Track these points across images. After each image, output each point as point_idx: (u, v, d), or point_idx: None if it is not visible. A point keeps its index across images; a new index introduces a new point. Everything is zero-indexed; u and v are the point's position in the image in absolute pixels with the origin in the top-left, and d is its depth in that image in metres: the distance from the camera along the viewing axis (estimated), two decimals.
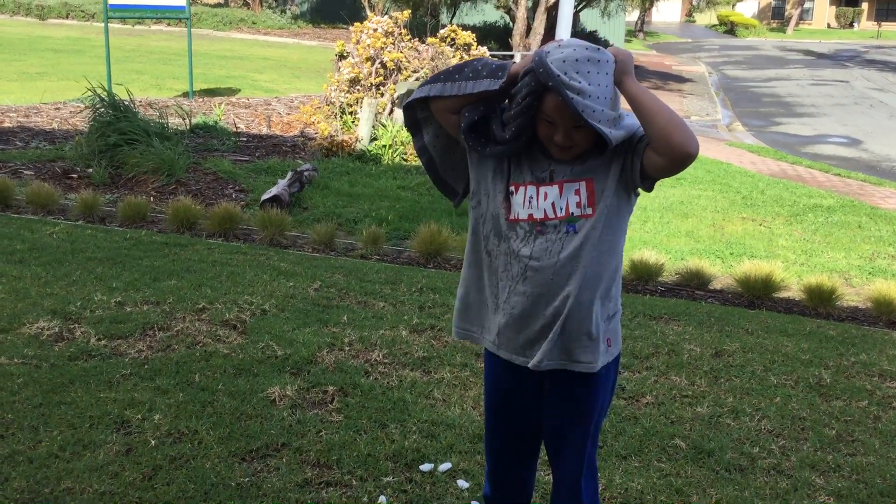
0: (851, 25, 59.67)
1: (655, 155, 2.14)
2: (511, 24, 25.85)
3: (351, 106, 10.93)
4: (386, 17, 11.61)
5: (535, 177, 2.32)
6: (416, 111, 2.45)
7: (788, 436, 3.72)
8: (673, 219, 8.63)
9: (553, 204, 2.29)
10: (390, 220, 7.30)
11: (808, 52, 39.47)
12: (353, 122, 10.74)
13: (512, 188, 2.35)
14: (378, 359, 4.29)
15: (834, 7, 61.89)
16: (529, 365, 2.35)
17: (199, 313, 4.77)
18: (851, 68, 32.78)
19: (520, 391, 2.46)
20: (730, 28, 55.53)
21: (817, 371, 4.49)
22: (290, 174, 8.11)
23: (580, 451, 2.43)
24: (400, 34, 11.47)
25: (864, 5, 60.77)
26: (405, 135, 10.26)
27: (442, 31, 11.77)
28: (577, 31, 29.68)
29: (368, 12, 18.35)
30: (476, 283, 2.46)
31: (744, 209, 9.41)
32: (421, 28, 22.49)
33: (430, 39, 11.69)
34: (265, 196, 7.43)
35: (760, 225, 8.66)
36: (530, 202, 2.31)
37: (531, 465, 2.61)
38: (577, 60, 2.16)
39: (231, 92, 15.34)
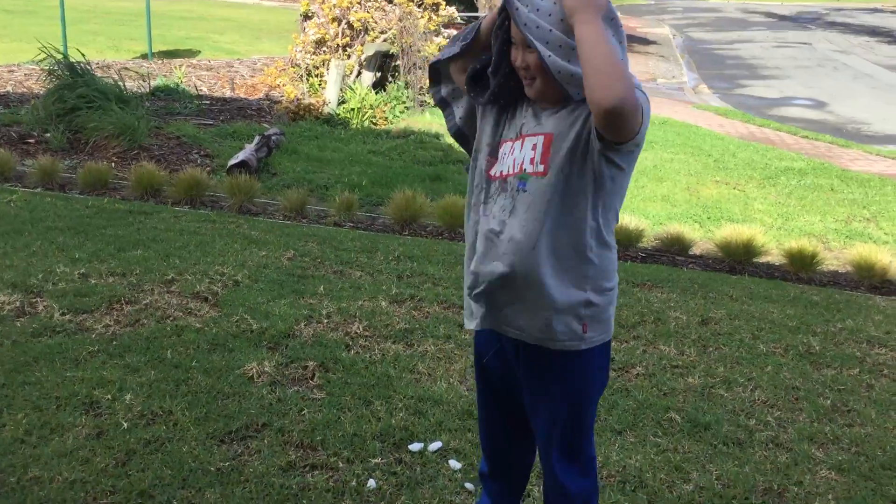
0: None
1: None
2: None
3: (317, 68, 10.64)
4: None
5: (514, 132, 2.18)
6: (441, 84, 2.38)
7: (783, 406, 3.63)
8: (648, 183, 8.52)
9: (514, 159, 2.14)
10: (363, 185, 7.10)
11: (770, 15, 39.49)
12: (319, 84, 10.46)
13: (500, 145, 2.22)
14: (358, 331, 4.13)
15: None
16: (471, 326, 2.30)
17: (168, 285, 4.56)
18: (814, 30, 32.87)
19: (495, 356, 2.34)
20: None
21: (805, 338, 4.42)
22: (257, 139, 7.85)
23: (548, 432, 2.29)
24: None
25: None
26: (374, 98, 10.02)
27: None
28: None
29: None
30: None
31: (717, 172, 9.33)
32: None
33: None
34: (232, 161, 7.18)
35: (734, 188, 8.59)
36: (503, 158, 2.18)
37: (522, 442, 2.47)
38: None
39: (191, 54, 14.91)
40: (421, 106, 10.97)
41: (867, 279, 5.64)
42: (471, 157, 2.37)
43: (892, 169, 10.54)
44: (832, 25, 35.48)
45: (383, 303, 4.50)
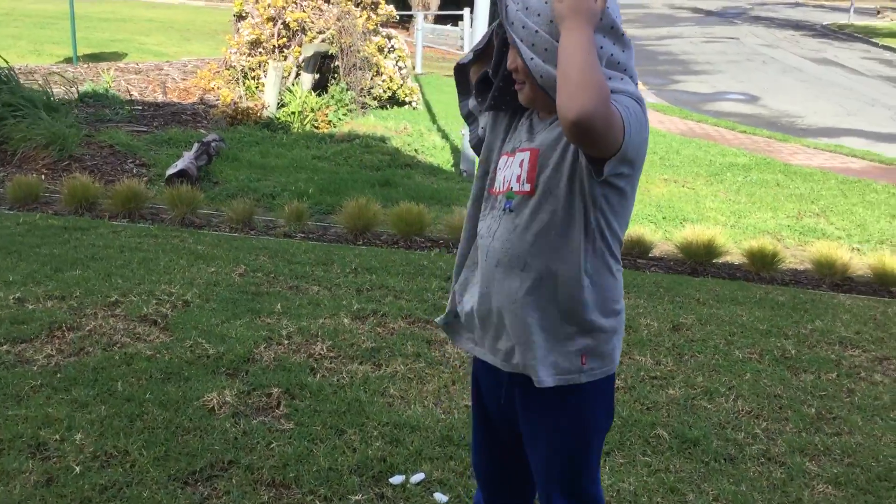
0: None
1: None
2: None
3: (253, 70, 10.31)
4: None
5: (511, 147, 2.01)
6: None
7: (769, 417, 3.53)
8: None
9: (504, 176, 1.98)
10: (311, 193, 6.83)
11: (696, 10, 40.14)
12: (256, 87, 10.13)
13: (500, 158, 2.05)
14: (322, 352, 3.90)
15: None
16: (463, 347, 2.14)
17: (113, 308, 4.26)
18: (740, 25, 33.52)
19: (490, 386, 2.13)
20: None
21: (779, 342, 4.34)
22: (195, 146, 7.52)
23: (547, 471, 2.09)
24: None
25: None
26: (315, 100, 9.74)
27: None
28: None
29: None
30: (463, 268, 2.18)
31: (664, 170, 9.31)
32: None
33: None
34: (171, 170, 6.85)
35: (683, 186, 8.57)
36: (498, 173, 2.02)
37: (521, 473, 2.29)
38: None
39: (117, 57, 14.37)
40: (363, 108, 10.72)
41: (828, 277, 5.62)
42: None
43: (831, 162, 10.69)
44: (757, 20, 36.23)
45: (346, 320, 4.28)
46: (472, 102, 2.15)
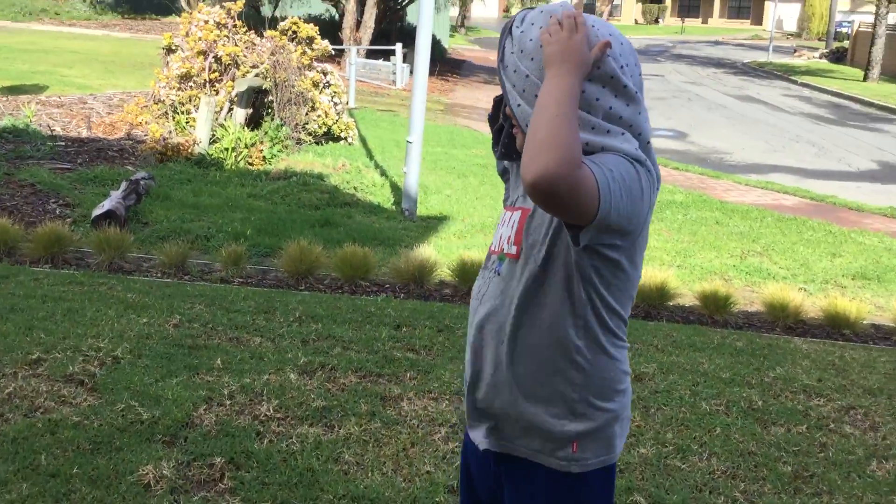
0: (657, 21, 62.82)
1: None
2: (337, 17, 25.10)
3: (184, 104, 9.94)
4: (217, 7, 10.66)
5: (512, 200, 1.84)
6: None
7: (745, 477, 3.36)
8: None
9: (500, 234, 1.81)
10: (248, 234, 6.51)
11: None
12: (187, 122, 9.77)
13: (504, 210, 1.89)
14: (269, 413, 3.60)
15: (640, 3, 64.93)
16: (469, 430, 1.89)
17: (34, 366, 3.89)
18: (663, 62, 34.29)
19: (479, 466, 1.91)
20: None
21: (744, 392, 4.20)
22: (123, 184, 7.13)
23: None
24: (234, 26, 10.56)
25: (668, 2, 64.13)
26: (249, 136, 9.42)
27: (282, 24, 10.96)
28: (405, 26, 29.30)
29: (183, 3, 17.13)
30: None
31: None
32: (255, 20, 21.37)
33: (268, 32, 10.85)
34: (97, 211, 6.46)
35: None
36: (497, 229, 1.86)
37: None
38: (541, 12, 1.69)
39: (38, 89, 13.77)
40: (298, 143, 10.44)
41: (781, 320, 5.55)
42: None
43: (764, 199, 10.80)
44: (679, 58, 37.15)
45: (292, 375, 3.99)
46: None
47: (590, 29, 1.64)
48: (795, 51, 39.77)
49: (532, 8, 1.77)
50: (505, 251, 1.75)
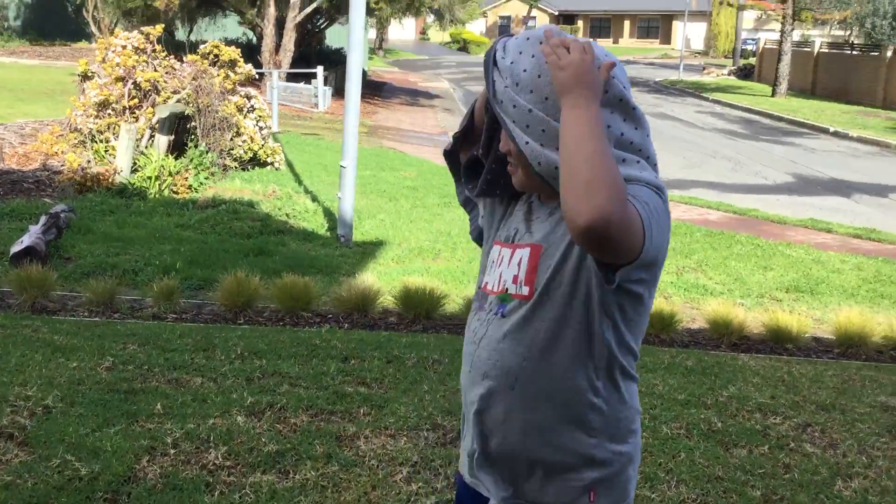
0: None
1: None
2: (254, 40, 24.75)
3: (102, 133, 9.57)
4: (136, 32, 10.33)
5: (506, 235, 1.72)
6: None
7: (716, 503, 3.29)
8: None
9: (500, 273, 1.68)
10: (178, 267, 6.24)
11: None
12: (106, 150, 9.40)
13: (491, 246, 1.77)
14: (217, 462, 3.39)
15: (553, 24, 66.11)
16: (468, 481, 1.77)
17: None
18: None
19: None
20: (462, 45, 57.44)
21: (702, 413, 4.16)
22: (43, 218, 6.78)
23: None
24: (154, 51, 10.24)
25: (580, 23, 65.39)
26: (173, 163, 9.11)
27: (203, 47, 10.67)
28: (324, 49, 29.11)
29: (94, 29, 16.58)
30: None
31: None
32: (169, 45, 20.91)
33: (189, 56, 10.55)
34: (16, 248, 6.11)
35: None
36: (490, 266, 1.73)
37: None
38: (527, 39, 1.58)
39: None
40: (224, 170, 10.16)
41: (726, 336, 5.57)
42: None
43: (689, 214, 10.96)
44: None
45: (239, 418, 3.78)
46: (469, 188, 1.84)
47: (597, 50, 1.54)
48: (704, 68, 40.94)
49: (510, 35, 1.66)
50: (511, 291, 1.63)
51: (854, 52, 29.10)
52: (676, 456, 3.68)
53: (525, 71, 1.55)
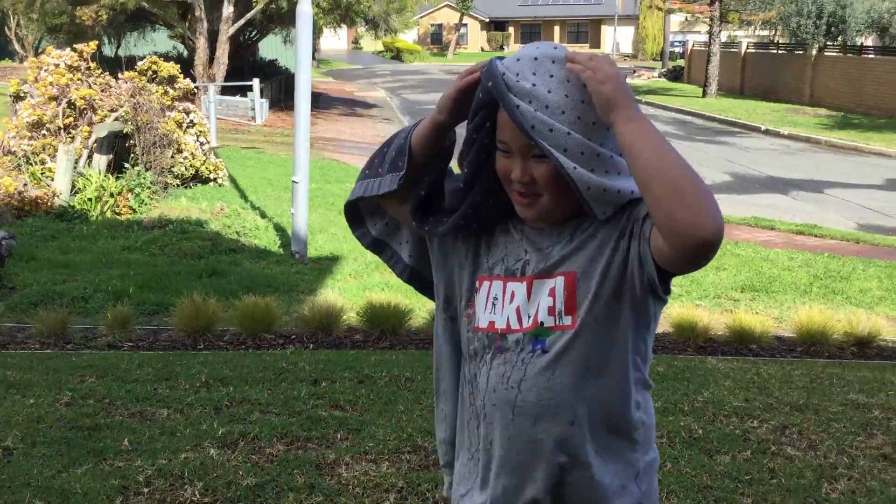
0: (502, 48, 64.37)
1: (660, 237, 1.43)
2: (185, 53, 24.31)
3: (38, 154, 9.25)
4: (68, 49, 10.01)
5: (506, 268, 1.60)
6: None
7: None
8: None
9: (518, 308, 1.57)
10: (130, 293, 6.02)
11: None
12: (42, 173, 9.07)
13: (477, 283, 1.64)
14: (195, 499, 3.24)
15: (485, 32, 66.45)
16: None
17: None
18: None
19: None
20: (396, 54, 57.33)
21: (681, 420, 4.14)
22: None
23: None
24: (88, 68, 9.95)
25: (511, 29, 65.90)
26: (114, 184, 8.83)
27: (141, 64, 10.41)
28: (257, 60, 28.76)
29: (17, 47, 16.08)
30: (455, 424, 1.76)
31: None
32: (102, 61, 20.38)
33: (126, 73, 10.27)
34: None
35: None
36: (493, 304, 1.60)
37: None
38: (535, 59, 1.49)
39: None
40: (165, 189, 9.90)
41: (691, 339, 5.58)
42: (438, 304, 1.77)
43: None
44: None
45: (212, 451, 3.62)
46: (375, 229, 1.77)
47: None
48: (635, 71, 41.56)
49: (501, 57, 1.56)
50: (547, 325, 1.54)
51: (780, 52, 29.88)
52: (662, 466, 3.64)
53: (550, 92, 1.47)
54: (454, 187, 1.62)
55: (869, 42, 32.13)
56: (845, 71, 25.04)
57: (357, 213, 1.79)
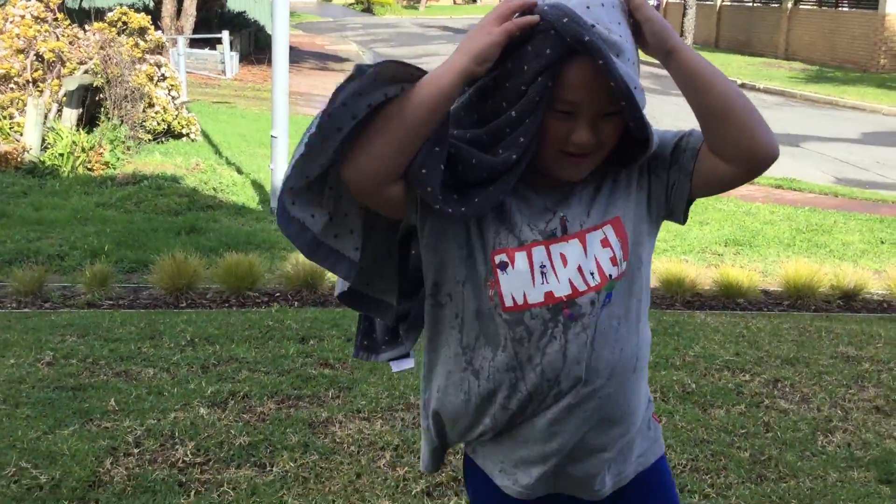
0: (474, 1, 63.62)
1: (723, 163, 1.41)
2: (151, 5, 23.70)
3: (5, 108, 8.97)
4: (34, 0, 9.68)
5: (539, 232, 1.46)
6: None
7: (708, 469, 3.25)
8: None
9: (580, 268, 1.46)
10: (107, 250, 5.87)
11: (445, 28, 41.18)
12: (11, 128, 8.81)
13: (506, 258, 1.46)
14: (187, 459, 3.17)
15: None
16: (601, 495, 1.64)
17: None
18: None
19: None
20: (367, 7, 56.44)
21: (673, 375, 4.12)
22: None
23: None
24: (55, 20, 9.64)
25: None
26: (85, 139, 8.61)
27: (111, 15, 10.10)
28: (226, 13, 28.15)
29: None
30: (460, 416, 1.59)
31: None
32: (65, 12, 19.80)
33: (96, 24, 9.97)
34: None
35: None
36: (543, 273, 1.46)
37: None
38: (602, 4, 1.35)
39: None
40: (138, 143, 9.67)
41: (679, 294, 5.56)
42: (372, 311, 1.63)
43: None
44: None
45: (202, 410, 3.55)
46: (316, 224, 1.44)
47: None
48: None
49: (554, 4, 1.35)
50: (614, 276, 1.48)
51: (755, 5, 29.74)
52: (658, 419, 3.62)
53: (627, 42, 1.37)
54: (468, 155, 1.39)
55: None
56: (820, 24, 25.02)
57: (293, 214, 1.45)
